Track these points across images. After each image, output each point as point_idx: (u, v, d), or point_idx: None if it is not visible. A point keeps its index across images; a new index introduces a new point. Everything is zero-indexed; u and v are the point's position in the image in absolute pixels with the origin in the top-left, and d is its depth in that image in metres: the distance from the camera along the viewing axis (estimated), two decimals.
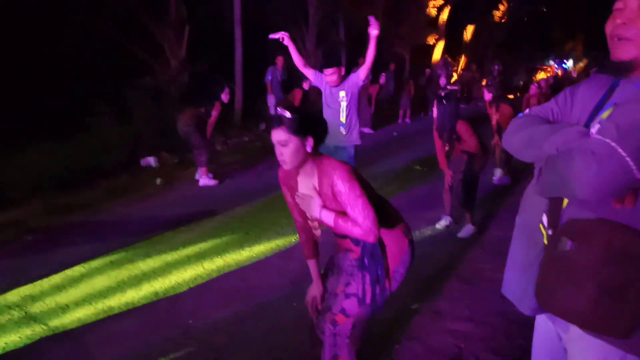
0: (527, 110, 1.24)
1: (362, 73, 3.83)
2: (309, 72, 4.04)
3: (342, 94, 3.90)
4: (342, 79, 3.91)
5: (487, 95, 5.37)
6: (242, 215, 4.49)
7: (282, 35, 3.85)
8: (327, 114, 3.90)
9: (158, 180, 5.71)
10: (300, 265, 3.00)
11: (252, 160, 6.84)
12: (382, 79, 10.36)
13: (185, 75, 9.14)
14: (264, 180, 5.63)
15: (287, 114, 1.63)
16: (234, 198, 4.99)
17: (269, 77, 8.52)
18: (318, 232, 1.92)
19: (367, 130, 9.24)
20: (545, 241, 1.11)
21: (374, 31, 3.57)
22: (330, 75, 3.84)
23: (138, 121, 7.21)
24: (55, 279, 3.20)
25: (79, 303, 2.88)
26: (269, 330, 2.53)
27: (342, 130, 3.91)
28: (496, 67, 14.98)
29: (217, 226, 4.19)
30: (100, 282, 3.15)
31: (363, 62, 3.88)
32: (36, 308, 2.83)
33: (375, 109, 10.23)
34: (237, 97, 9.19)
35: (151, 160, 6.43)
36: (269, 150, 6.58)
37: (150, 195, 5.25)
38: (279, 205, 4.03)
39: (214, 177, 5.64)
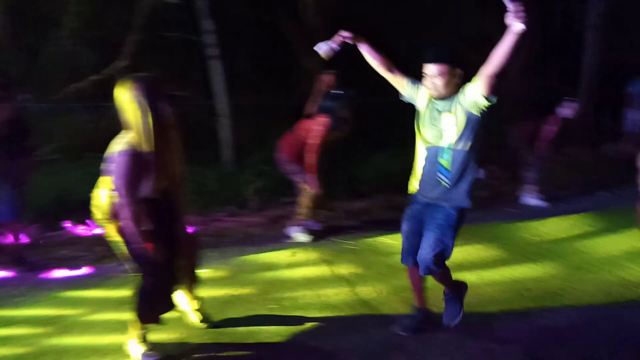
0: None
1: (483, 82, 2.33)
2: (397, 80, 2.71)
3: (447, 116, 2.48)
4: (455, 89, 2.46)
5: None
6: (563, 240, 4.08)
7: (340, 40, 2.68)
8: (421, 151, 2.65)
9: (483, 193, 5.76)
10: None
11: (590, 182, 6.07)
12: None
13: (525, 86, 8.79)
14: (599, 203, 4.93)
15: None
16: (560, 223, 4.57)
17: (635, 89, 7.08)
18: None
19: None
20: None
21: (517, 25, 2.13)
22: (432, 77, 2.46)
23: None
24: None
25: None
26: None
27: (444, 179, 2.54)
28: None
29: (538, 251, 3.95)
30: None
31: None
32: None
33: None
34: (582, 109, 8.23)
35: (480, 173, 6.51)
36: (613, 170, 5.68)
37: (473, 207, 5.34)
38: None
39: (545, 199, 5.30)
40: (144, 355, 2.54)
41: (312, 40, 7.61)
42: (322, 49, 2.69)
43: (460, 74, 2.50)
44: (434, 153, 2.56)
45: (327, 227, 4.68)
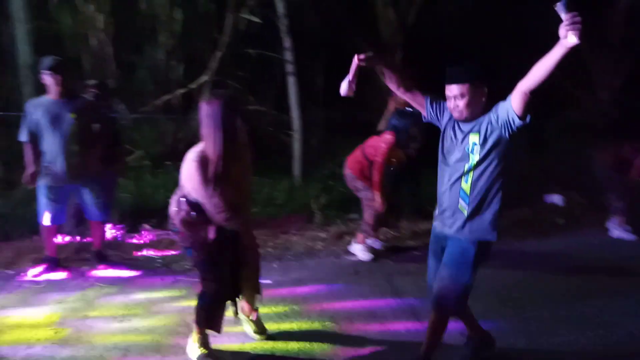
0: None
1: (518, 99, 2.12)
2: (416, 100, 2.49)
3: (474, 137, 2.28)
4: (480, 109, 2.28)
5: None
6: None
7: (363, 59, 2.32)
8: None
9: (560, 220, 5.43)
10: None
11: None
12: None
13: (616, 109, 8.18)
14: None
15: None
16: None
17: None
18: None
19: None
20: None
21: (570, 37, 1.85)
22: (453, 99, 2.30)
23: (552, 155, 7.02)
24: None
25: None
26: None
27: (465, 206, 2.33)
28: None
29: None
30: None
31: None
32: None
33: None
34: None
35: (557, 198, 6.14)
36: None
37: (548, 234, 5.08)
38: None
39: (633, 231, 4.88)
40: (199, 358, 2.67)
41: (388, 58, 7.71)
42: (343, 89, 2.37)
43: (485, 92, 2.32)
44: (455, 177, 2.35)
45: (391, 246, 4.64)
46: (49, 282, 3.82)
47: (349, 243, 4.55)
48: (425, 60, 7.75)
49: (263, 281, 3.05)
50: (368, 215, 4.36)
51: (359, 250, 4.40)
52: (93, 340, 2.98)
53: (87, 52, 6.55)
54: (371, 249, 4.43)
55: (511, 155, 2.27)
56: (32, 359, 2.77)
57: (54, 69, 3.65)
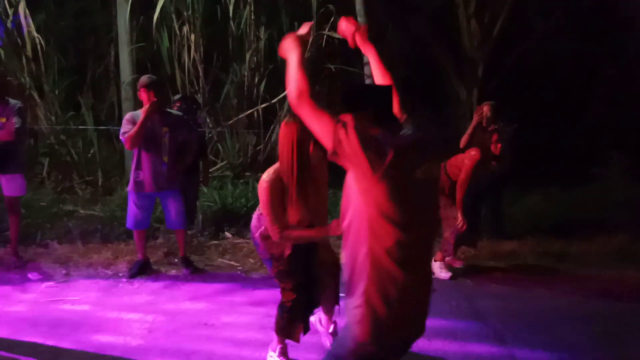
0: None
1: None
2: None
3: None
4: None
5: None
6: None
7: None
8: None
9: None
10: None
11: None
12: None
13: None
14: None
15: None
16: None
17: None
18: None
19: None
20: None
21: None
22: None
23: None
24: None
25: None
26: None
27: None
28: None
29: None
30: None
31: None
32: None
33: None
34: None
35: None
36: None
37: None
38: None
39: None
40: None
41: (471, 71, 7.52)
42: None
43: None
44: None
45: (470, 266, 4.48)
46: (141, 283, 4.09)
47: None
48: (509, 73, 7.53)
49: (341, 295, 3.04)
50: (448, 234, 4.24)
51: (437, 268, 4.29)
52: (180, 341, 3.14)
53: (181, 69, 7.03)
54: (450, 268, 4.31)
55: None
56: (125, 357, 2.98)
57: (148, 86, 3.96)
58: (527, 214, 5.73)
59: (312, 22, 2.15)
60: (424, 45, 7.70)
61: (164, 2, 6.53)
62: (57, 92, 6.86)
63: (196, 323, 3.39)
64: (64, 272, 4.26)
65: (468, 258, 4.65)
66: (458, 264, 4.43)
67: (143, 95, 4.00)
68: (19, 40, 6.52)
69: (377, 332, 1.67)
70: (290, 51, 1.76)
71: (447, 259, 4.35)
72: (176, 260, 4.46)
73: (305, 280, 2.72)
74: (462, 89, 7.86)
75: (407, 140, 1.73)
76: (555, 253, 4.86)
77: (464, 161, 4.14)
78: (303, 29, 1.98)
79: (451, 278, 4.22)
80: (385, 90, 1.85)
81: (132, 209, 4.13)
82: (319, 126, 1.66)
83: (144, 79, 4.07)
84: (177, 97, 5.19)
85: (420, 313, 1.82)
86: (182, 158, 4.19)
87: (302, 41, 1.86)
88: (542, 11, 7.64)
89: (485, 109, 4.95)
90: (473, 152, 4.14)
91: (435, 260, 4.32)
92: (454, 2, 7.57)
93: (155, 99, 3.94)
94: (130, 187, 4.10)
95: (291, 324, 2.77)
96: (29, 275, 4.16)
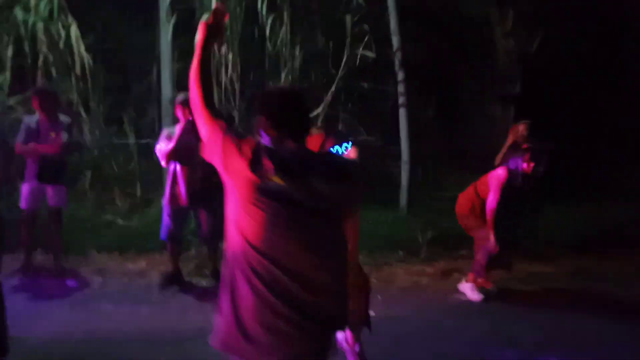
0: None
1: None
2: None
3: None
4: None
5: None
6: None
7: None
8: None
9: None
10: None
11: None
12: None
13: None
14: None
15: None
16: None
17: None
18: None
19: None
20: None
21: None
22: None
23: None
24: None
25: None
26: None
27: None
28: None
29: None
30: None
31: None
32: None
33: None
34: None
35: None
36: None
37: None
38: None
39: None
40: None
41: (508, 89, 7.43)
42: None
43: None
44: None
45: (503, 289, 4.35)
46: (172, 294, 4.19)
47: (457, 280, 4.36)
48: (543, 92, 7.36)
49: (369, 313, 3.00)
50: (481, 255, 4.16)
51: (469, 290, 4.20)
52: (206, 352, 3.18)
53: (218, 87, 7.24)
54: (482, 290, 4.20)
55: None
56: None
57: (183, 103, 4.11)
58: (562, 230, 5.55)
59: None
60: (459, 63, 7.66)
61: None
62: (101, 108, 7.19)
63: None
64: (100, 280, 4.42)
65: (501, 280, 4.52)
66: (490, 286, 4.33)
67: (179, 112, 4.15)
68: (69, 60, 6.89)
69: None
70: (196, 48, 1.67)
71: (478, 280, 4.25)
72: (207, 272, 4.54)
73: None
74: (498, 107, 7.76)
75: (286, 154, 1.61)
76: (591, 272, 4.68)
77: (492, 181, 4.07)
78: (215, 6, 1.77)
79: (483, 300, 4.11)
80: (290, 97, 1.77)
81: (165, 221, 4.26)
82: (207, 135, 1.68)
83: (180, 96, 4.23)
84: None
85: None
86: (214, 173, 4.27)
87: (211, 29, 1.70)
88: (578, 27, 7.47)
89: (522, 127, 4.88)
90: (500, 171, 4.06)
91: (466, 282, 4.24)
92: (489, 20, 7.54)
93: (190, 117, 4.07)
94: (165, 201, 4.24)
95: None
96: (68, 283, 4.34)
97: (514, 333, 3.52)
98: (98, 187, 6.94)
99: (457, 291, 4.26)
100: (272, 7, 6.89)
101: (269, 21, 6.90)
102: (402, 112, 6.65)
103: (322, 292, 1.61)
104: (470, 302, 4.09)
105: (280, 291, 1.55)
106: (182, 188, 4.14)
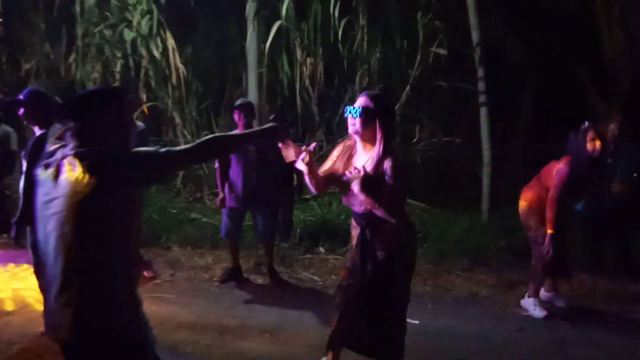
0: None
1: None
2: None
3: None
4: None
5: None
6: None
7: None
8: None
9: None
10: None
11: None
12: None
13: None
14: None
15: None
16: None
17: None
18: None
19: None
20: None
21: None
22: None
23: None
24: None
25: None
26: None
27: None
28: None
29: None
30: None
31: None
32: None
33: None
34: None
35: None
36: None
37: None
38: None
39: None
40: None
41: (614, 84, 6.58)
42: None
43: None
44: None
45: (575, 307, 3.89)
46: (229, 289, 4.43)
47: (522, 294, 3.99)
48: None
49: (411, 321, 2.88)
50: (535, 261, 3.75)
51: (530, 305, 3.82)
52: (242, 347, 3.34)
53: (300, 90, 7.45)
54: (550, 305, 3.81)
55: None
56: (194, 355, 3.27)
57: (238, 108, 4.32)
58: None
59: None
60: (554, 56, 6.97)
61: (288, 30, 7.08)
62: (193, 114, 7.81)
63: (262, 332, 3.56)
64: (170, 272, 4.83)
65: (577, 297, 4.04)
66: (560, 303, 3.89)
67: (235, 116, 4.37)
68: (166, 70, 7.61)
69: None
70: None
71: (542, 294, 3.85)
72: (264, 270, 4.72)
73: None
74: (603, 104, 6.93)
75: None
76: None
77: (553, 174, 3.60)
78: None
79: (546, 318, 3.71)
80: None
81: (224, 220, 4.53)
82: None
83: (238, 101, 4.45)
84: (271, 117, 5.52)
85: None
86: (270, 175, 4.41)
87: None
88: None
89: (613, 126, 4.33)
90: (561, 165, 3.58)
91: (528, 296, 3.86)
92: (592, 8, 6.75)
93: (244, 120, 4.28)
94: (221, 200, 4.49)
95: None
96: (144, 273, 4.80)
97: (576, 356, 3.19)
98: (190, 187, 7.58)
99: (518, 305, 3.90)
100: (347, 10, 6.94)
101: (342, 27, 6.94)
102: (483, 111, 6.26)
103: None
104: (529, 318, 3.73)
105: None
106: (238, 189, 4.36)
